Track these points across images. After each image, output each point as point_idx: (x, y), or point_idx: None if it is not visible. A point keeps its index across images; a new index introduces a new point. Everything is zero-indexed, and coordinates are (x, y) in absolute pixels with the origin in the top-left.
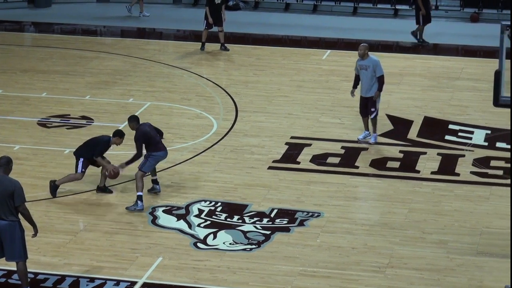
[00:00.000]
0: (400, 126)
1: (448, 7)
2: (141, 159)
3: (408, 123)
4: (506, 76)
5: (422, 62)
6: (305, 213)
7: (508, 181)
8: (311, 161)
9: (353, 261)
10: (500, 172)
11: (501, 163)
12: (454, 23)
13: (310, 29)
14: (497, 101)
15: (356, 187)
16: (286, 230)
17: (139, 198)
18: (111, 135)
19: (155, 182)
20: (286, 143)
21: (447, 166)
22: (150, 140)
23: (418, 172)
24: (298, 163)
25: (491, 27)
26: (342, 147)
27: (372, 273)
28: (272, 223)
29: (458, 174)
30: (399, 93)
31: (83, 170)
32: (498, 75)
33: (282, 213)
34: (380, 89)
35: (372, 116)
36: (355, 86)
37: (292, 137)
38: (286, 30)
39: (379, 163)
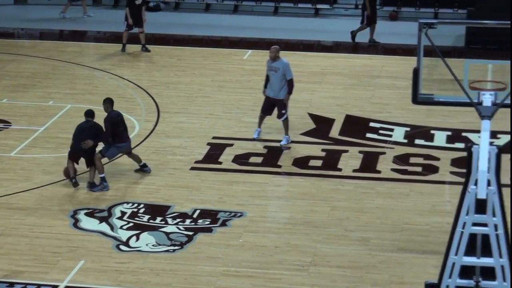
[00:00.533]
0: (322, 125)
1: None
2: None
3: (330, 122)
4: (424, 74)
5: (343, 61)
6: (228, 213)
7: (427, 178)
8: (233, 161)
9: (276, 260)
10: (419, 169)
11: (420, 160)
12: None
13: (231, 29)
14: (416, 99)
15: (278, 186)
16: (208, 231)
17: (103, 179)
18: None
19: (144, 166)
20: (208, 144)
21: (369, 163)
22: (117, 129)
23: (340, 170)
24: (220, 163)
25: (410, 25)
26: (265, 147)
27: (295, 272)
28: (195, 224)
29: (379, 172)
30: (320, 92)
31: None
32: (416, 72)
33: (204, 213)
34: (290, 92)
35: (283, 118)
36: (266, 86)
37: (214, 138)
38: (207, 30)
39: (302, 162)
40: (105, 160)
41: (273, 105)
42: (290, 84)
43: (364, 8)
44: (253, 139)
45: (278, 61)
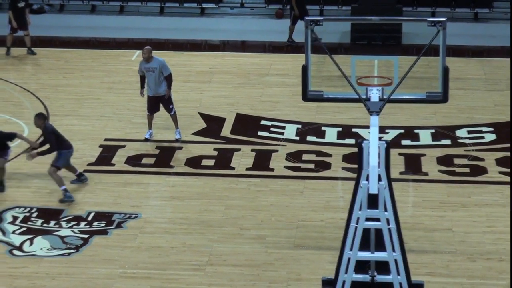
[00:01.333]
0: (213, 124)
1: (253, 4)
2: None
3: (221, 121)
4: (312, 71)
5: (232, 60)
6: (123, 214)
7: (320, 174)
8: (126, 162)
9: (172, 260)
10: (312, 166)
11: (313, 157)
12: (260, 20)
13: (118, 30)
14: (306, 96)
15: (172, 187)
16: (104, 233)
17: (65, 190)
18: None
19: (80, 175)
20: (100, 146)
21: (262, 161)
22: (59, 138)
23: (233, 168)
24: (113, 165)
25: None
26: (157, 147)
27: (192, 272)
28: (90, 227)
29: (272, 169)
30: (210, 91)
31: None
32: (305, 69)
33: (99, 216)
34: (169, 87)
35: (172, 112)
36: (143, 86)
37: (105, 139)
38: (93, 32)
39: (194, 162)
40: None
41: (157, 102)
42: (169, 79)
43: (292, 9)
44: (146, 140)
45: (153, 61)
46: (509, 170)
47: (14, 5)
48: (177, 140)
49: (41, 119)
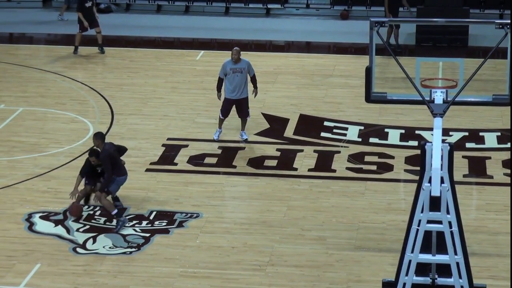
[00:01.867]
0: (276, 125)
1: (318, 5)
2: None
3: (284, 121)
4: (376, 72)
5: (296, 60)
6: (184, 214)
7: (382, 176)
8: (188, 162)
9: (233, 260)
10: (374, 167)
11: (375, 158)
12: (325, 21)
13: (182, 30)
14: (369, 97)
15: (234, 187)
16: (165, 232)
17: (117, 215)
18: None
19: (116, 199)
20: (163, 145)
21: (324, 162)
22: (115, 163)
23: (296, 169)
24: (176, 164)
25: (361, 24)
26: (219, 147)
27: (253, 272)
28: (151, 226)
29: (334, 171)
30: (274, 91)
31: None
32: (368, 71)
33: (161, 215)
34: (257, 86)
35: (249, 116)
36: (220, 90)
37: (168, 139)
38: (158, 31)
39: (257, 162)
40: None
41: (233, 105)
42: (255, 80)
43: (385, 14)
44: (213, 140)
45: (241, 62)
46: None
47: (82, 6)
48: (245, 141)
49: (98, 138)
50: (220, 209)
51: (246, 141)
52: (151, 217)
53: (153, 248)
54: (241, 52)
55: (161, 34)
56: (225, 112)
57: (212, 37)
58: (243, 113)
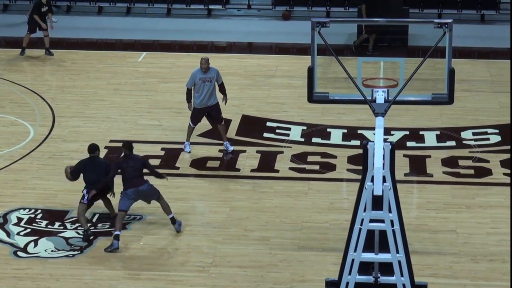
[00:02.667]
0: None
1: (260, 6)
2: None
3: (227, 122)
4: (318, 73)
5: (238, 61)
6: (127, 216)
7: (325, 176)
8: None
9: (177, 262)
10: (317, 167)
11: (318, 158)
12: (267, 22)
13: (124, 31)
14: (311, 97)
15: (177, 188)
16: (108, 235)
17: (116, 237)
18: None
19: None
20: (106, 147)
21: (267, 163)
22: (123, 174)
23: (239, 170)
24: None
25: (302, 24)
26: (162, 149)
27: (197, 273)
28: (95, 228)
29: (277, 171)
30: (216, 92)
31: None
32: (311, 71)
33: (104, 217)
34: (226, 94)
35: (223, 122)
36: (190, 101)
37: (111, 141)
38: (100, 33)
39: (200, 163)
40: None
41: (204, 114)
42: (224, 87)
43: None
44: (188, 153)
45: (210, 71)
46: None
47: (39, 9)
48: (231, 152)
49: (125, 149)
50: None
51: (232, 152)
52: (94, 220)
53: (96, 251)
54: (183, 54)
55: (103, 36)
56: (196, 120)
57: (154, 39)
58: (216, 119)
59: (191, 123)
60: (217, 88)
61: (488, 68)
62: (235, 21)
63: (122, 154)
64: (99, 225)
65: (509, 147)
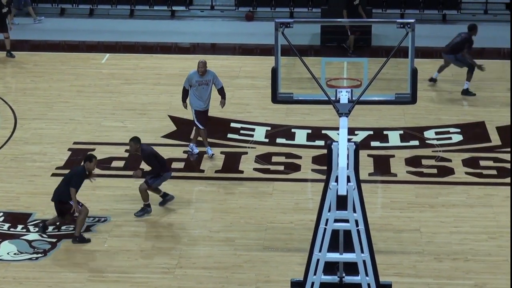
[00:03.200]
0: (183, 127)
1: (223, 7)
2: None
3: (191, 123)
4: (282, 73)
5: None
6: (92, 218)
7: (289, 176)
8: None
9: (141, 264)
10: (281, 168)
11: (282, 159)
12: (230, 22)
13: (87, 33)
14: (275, 98)
15: None
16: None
17: (148, 205)
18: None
19: (164, 195)
20: (69, 149)
21: (231, 164)
22: (160, 160)
23: (203, 171)
24: None
25: (266, 25)
26: (126, 151)
27: (161, 275)
28: (58, 231)
29: (242, 172)
30: (180, 94)
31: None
32: (274, 72)
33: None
34: (225, 97)
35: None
36: (185, 100)
37: (75, 143)
38: (63, 35)
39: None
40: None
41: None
42: (223, 91)
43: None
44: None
45: (207, 74)
46: (475, 171)
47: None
48: (211, 156)
49: (137, 142)
50: (128, 213)
51: (212, 156)
52: (58, 222)
53: (60, 254)
54: (146, 55)
55: (66, 38)
56: (204, 122)
57: (117, 40)
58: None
59: (200, 126)
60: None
61: (450, 67)
62: (198, 22)
63: (138, 146)
64: (63, 227)
65: (470, 146)
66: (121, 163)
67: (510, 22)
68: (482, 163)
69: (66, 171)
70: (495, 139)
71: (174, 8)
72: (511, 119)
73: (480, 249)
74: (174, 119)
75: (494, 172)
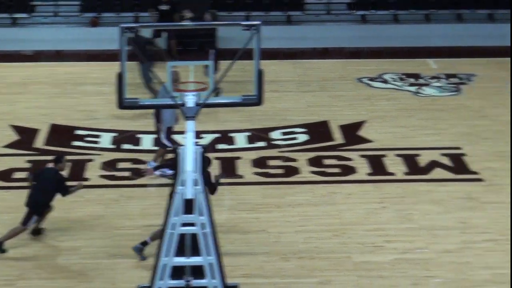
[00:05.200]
0: (25, 136)
1: (67, 13)
2: None
3: (34, 132)
4: (128, 78)
5: (46, 70)
6: None
7: (135, 182)
8: None
9: None
10: (128, 174)
11: (128, 165)
12: (75, 29)
13: None
14: (121, 104)
15: None
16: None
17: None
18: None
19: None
20: None
21: (76, 171)
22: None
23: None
24: None
25: (111, 30)
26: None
27: (4, 287)
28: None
29: (87, 179)
30: (23, 102)
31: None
32: (120, 77)
33: None
34: None
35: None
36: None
37: None
38: None
39: (6, 175)
40: None
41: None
42: None
43: None
44: None
45: None
46: (319, 169)
47: None
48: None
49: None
50: None
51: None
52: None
53: None
54: None
55: None
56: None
57: None
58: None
59: (168, 144)
60: None
61: (295, 68)
62: (42, 29)
63: None
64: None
65: (316, 145)
66: None
67: (510, 22)
68: (326, 161)
69: None
70: (338, 138)
71: (15, 15)
72: (511, 119)
73: (324, 247)
74: (16, 128)
75: (337, 170)
